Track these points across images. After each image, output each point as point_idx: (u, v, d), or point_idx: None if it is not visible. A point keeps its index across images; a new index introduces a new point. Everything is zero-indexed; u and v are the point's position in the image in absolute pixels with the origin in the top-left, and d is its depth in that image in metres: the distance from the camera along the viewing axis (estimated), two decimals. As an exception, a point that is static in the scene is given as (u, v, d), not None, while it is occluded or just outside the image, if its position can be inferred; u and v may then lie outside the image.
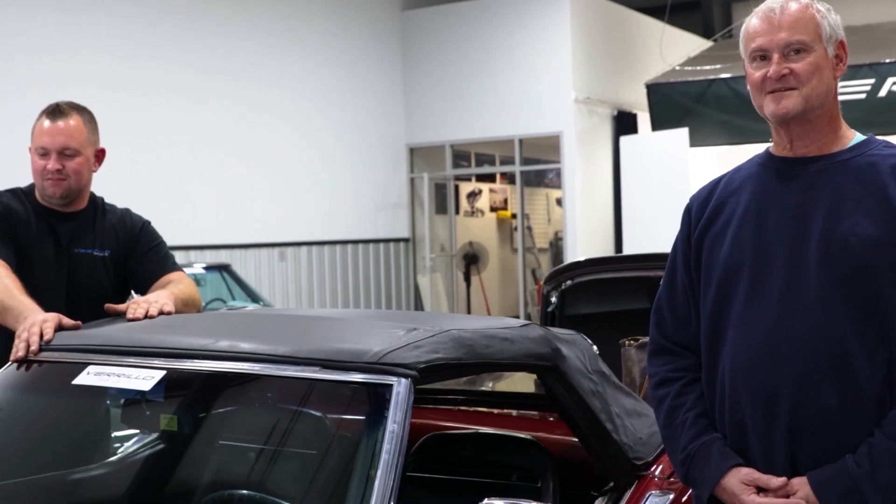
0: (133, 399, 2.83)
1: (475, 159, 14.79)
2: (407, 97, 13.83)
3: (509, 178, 15.34)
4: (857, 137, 2.34)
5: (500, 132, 13.27)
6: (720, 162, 11.37)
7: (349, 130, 12.97)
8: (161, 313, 3.03)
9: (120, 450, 3.09)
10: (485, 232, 15.32)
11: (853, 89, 10.38)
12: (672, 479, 2.93)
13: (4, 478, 2.86)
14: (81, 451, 3.08)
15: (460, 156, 14.38)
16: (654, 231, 10.07)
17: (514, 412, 3.88)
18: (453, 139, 13.71)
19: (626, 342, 4.28)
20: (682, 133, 11.46)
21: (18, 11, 9.46)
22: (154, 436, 3.02)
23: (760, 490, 2.23)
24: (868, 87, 10.54)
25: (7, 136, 8.64)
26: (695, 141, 11.48)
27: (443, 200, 14.30)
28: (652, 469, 3.00)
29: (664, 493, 2.93)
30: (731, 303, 2.31)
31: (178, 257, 3.65)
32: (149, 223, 3.59)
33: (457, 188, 14.68)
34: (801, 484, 2.19)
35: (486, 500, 2.34)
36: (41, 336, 2.81)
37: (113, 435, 3.12)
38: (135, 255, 3.49)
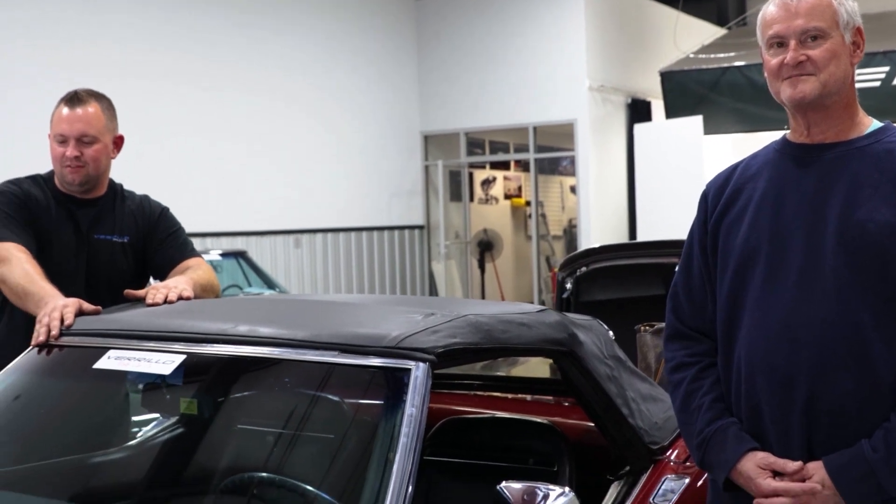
0: (153, 383, 2.84)
1: (489, 147, 14.78)
2: (421, 85, 13.83)
3: (523, 166, 15.32)
4: (874, 124, 2.34)
5: (515, 120, 13.26)
6: (735, 149, 11.37)
7: (364, 118, 12.98)
8: (180, 298, 3.05)
9: (140, 434, 3.10)
10: (499, 219, 15.30)
11: (868, 77, 10.35)
12: (688, 464, 2.94)
13: (26, 461, 2.89)
14: (102, 435, 3.09)
15: (475, 143, 14.38)
16: (668, 219, 10.05)
17: (528, 397, 3.89)
18: (468, 127, 13.70)
19: (642, 328, 4.28)
20: (697, 121, 11.45)
21: (25, 1, 9.48)
22: (173, 420, 3.02)
23: (776, 474, 2.23)
24: (883, 75, 10.51)
25: (20, 125, 8.69)
26: (709, 129, 11.46)
27: (457, 188, 14.30)
28: (668, 453, 3.01)
29: (680, 478, 2.94)
30: (748, 288, 2.31)
31: (195, 244, 3.67)
32: (167, 209, 3.61)
33: (471, 175, 14.67)
34: (816, 468, 2.19)
35: (503, 483, 2.34)
36: (62, 321, 2.83)
37: (133, 419, 3.13)
38: (153, 241, 3.51)
